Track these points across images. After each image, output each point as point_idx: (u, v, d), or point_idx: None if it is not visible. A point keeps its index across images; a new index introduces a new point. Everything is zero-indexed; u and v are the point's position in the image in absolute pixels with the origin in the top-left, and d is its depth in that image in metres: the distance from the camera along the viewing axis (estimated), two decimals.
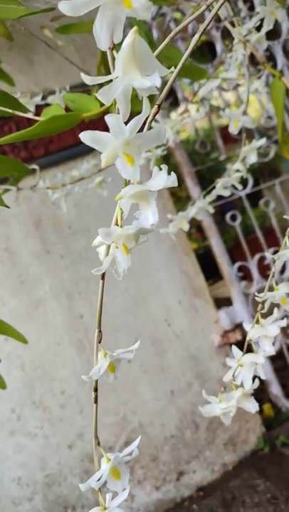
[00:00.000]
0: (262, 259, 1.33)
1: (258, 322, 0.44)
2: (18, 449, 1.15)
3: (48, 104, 0.86)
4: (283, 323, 0.42)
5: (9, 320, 1.24)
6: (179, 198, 2.39)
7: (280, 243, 1.38)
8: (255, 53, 0.60)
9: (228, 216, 1.30)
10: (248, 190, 1.28)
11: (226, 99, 1.36)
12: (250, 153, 0.62)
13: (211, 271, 1.57)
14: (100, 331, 0.31)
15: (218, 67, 1.21)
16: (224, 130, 1.57)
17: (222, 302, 1.44)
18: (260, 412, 1.40)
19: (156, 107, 0.28)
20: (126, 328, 1.27)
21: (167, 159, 1.53)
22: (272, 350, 0.42)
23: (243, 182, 1.34)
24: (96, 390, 0.32)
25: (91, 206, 1.25)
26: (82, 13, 0.23)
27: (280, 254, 0.41)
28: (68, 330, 1.22)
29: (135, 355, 1.39)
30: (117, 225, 0.28)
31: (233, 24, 0.67)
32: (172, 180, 0.26)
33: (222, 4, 0.34)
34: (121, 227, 0.28)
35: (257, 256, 1.31)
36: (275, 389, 1.34)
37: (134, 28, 0.22)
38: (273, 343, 1.44)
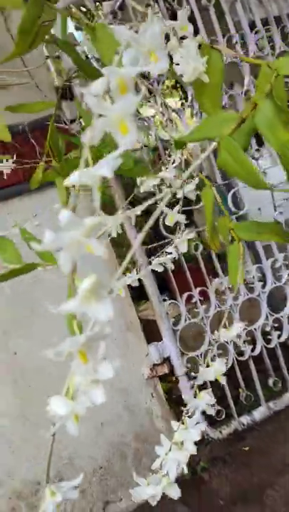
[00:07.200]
0: (190, 296, 1.44)
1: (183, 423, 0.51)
2: None
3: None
4: (203, 426, 0.50)
5: None
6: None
7: (207, 284, 1.47)
8: (190, 160, 0.68)
9: None
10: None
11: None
12: (181, 244, 0.70)
13: None
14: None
15: None
16: None
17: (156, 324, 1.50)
18: None
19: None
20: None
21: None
22: (194, 450, 0.49)
23: None
24: None
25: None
26: (54, 248, 0.28)
27: (202, 371, 0.48)
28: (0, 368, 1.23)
29: None
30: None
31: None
32: (110, 372, 0.32)
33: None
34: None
35: (185, 295, 1.42)
36: None
37: (88, 278, 0.27)
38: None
